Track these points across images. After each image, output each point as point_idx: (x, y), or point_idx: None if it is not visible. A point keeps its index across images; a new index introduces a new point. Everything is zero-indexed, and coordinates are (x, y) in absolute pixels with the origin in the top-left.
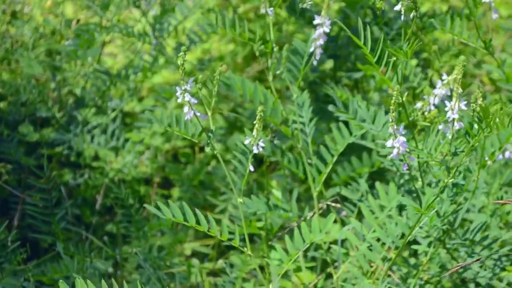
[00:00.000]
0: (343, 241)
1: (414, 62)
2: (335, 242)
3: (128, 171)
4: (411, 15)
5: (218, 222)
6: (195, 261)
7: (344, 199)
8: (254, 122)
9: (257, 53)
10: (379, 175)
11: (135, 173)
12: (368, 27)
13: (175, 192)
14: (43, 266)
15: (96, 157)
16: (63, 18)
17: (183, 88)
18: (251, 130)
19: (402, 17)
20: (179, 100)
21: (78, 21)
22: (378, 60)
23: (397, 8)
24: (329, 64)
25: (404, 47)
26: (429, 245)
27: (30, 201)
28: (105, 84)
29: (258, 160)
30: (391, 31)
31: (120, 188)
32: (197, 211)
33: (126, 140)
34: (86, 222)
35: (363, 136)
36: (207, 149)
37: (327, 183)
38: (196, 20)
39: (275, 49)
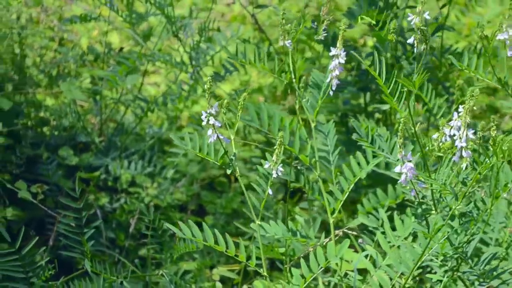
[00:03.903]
0: (362, 269)
1: (441, 99)
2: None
3: (163, 198)
4: (422, 48)
5: (246, 248)
6: (218, 284)
7: (366, 228)
8: (274, 147)
9: (285, 83)
10: (403, 206)
11: (171, 199)
12: (383, 59)
13: (209, 219)
14: (70, 284)
15: (133, 183)
16: (107, 46)
17: (208, 111)
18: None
19: (415, 50)
20: (204, 123)
21: (121, 49)
22: (393, 91)
23: (410, 41)
24: (362, 97)
25: (414, 77)
26: (443, 274)
27: (63, 220)
28: (143, 111)
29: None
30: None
31: (150, 213)
32: (227, 236)
33: (163, 167)
34: (121, 246)
35: (388, 167)
36: (228, 172)
37: (354, 214)
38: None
39: (294, 80)
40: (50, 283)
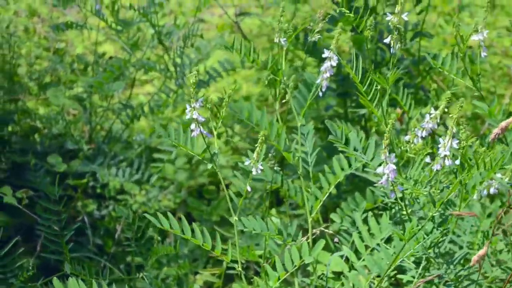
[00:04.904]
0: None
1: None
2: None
3: (151, 205)
4: (397, 46)
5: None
6: (196, 286)
7: (346, 231)
8: (256, 145)
9: (266, 82)
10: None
11: (158, 206)
12: (360, 58)
13: (195, 226)
14: (50, 285)
15: (122, 190)
16: (99, 55)
17: (192, 105)
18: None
19: (392, 50)
20: (188, 117)
21: (110, 58)
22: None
23: (386, 41)
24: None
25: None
26: (413, 275)
27: (42, 222)
28: (129, 117)
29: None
30: (399, 70)
31: (134, 220)
32: (205, 230)
33: (151, 175)
34: (109, 252)
35: (365, 170)
36: (209, 167)
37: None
38: (216, 58)
39: (284, 78)
40: (29, 284)
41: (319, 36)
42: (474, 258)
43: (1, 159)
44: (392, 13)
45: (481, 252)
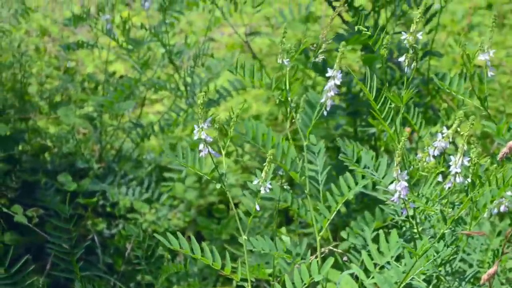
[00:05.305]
0: None
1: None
2: None
3: (161, 224)
4: (412, 66)
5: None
6: None
7: (353, 247)
8: (264, 164)
9: (277, 101)
10: (391, 227)
11: (168, 225)
12: (375, 77)
13: (205, 245)
14: None
15: (132, 209)
16: (110, 74)
17: (200, 126)
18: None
19: (406, 69)
20: (195, 137)
21: (121, 77)
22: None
23: (401, 59)
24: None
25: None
26: None
27: (52, 240)
28: (139, 136)
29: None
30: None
31: (144, 239)
32: (214, 248)
33: (161, 194)
34: (118, 271)
35: (376, 189)
36: (218, 187)
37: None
38: (226, 77)
39: (289, 98)
40: None
41: (322, 57)
42: (484, 276)
43: (11, 178)
44: (406, 32)
45: (491, 270)
